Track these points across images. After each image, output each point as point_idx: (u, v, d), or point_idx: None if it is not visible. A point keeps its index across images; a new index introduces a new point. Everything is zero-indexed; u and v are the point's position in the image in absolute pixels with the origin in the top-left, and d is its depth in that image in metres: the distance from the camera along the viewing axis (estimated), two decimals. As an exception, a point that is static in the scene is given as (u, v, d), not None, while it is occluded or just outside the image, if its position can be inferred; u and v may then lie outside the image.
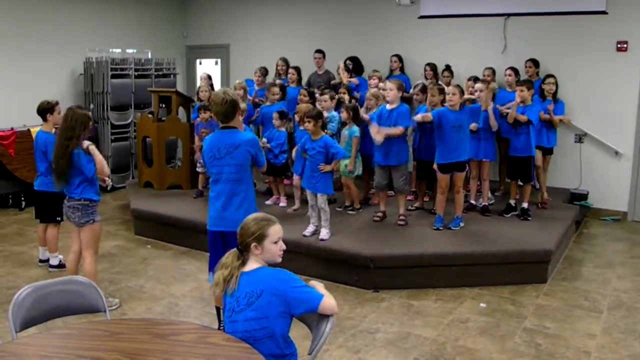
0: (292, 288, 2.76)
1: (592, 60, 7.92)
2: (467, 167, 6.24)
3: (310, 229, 5.94)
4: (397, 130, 6.00)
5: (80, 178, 4.79)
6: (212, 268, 4.07)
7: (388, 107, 6.17)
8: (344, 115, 6.51)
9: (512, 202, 6.80)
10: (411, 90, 7.28)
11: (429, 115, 6.11)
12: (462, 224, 6.21)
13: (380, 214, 6.44)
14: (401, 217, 6.32)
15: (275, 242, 2.86)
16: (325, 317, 2.79)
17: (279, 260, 2.90)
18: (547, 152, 7.31)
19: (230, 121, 4.13)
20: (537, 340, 4.53)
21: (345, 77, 8.08)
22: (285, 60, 8.70)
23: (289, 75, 8.32)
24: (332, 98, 6.86)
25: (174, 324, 3.40)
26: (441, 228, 6.15)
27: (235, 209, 4.12)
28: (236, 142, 4.09)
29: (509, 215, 6.70)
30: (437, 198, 6.27)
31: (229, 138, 4.11)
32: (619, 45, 7.73)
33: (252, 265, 2.85)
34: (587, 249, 6.78)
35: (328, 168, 5.75)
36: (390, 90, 6.12)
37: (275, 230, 2.87)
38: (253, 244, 2.83)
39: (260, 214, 2.98)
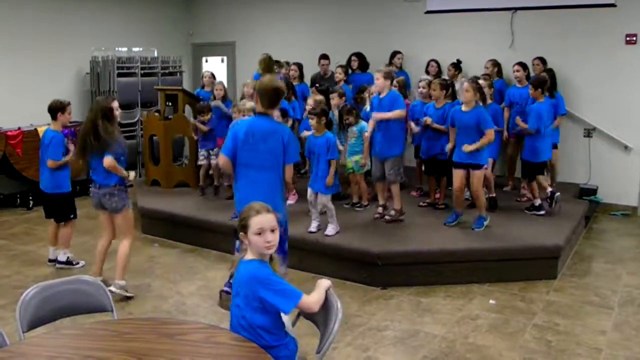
0: (266, 290, 2.72)
1: (600, 53, 7.84)
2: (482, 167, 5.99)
3: (314, 224, 5.91)
4: (393, 113, 5.80)
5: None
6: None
7: (380, 96, 6.02)
8: (352, 120, 6.46)
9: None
10: (420, 83, 7.20)
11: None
12: (486, 223, 6.04)
13: (380, 210, 6.34)
14: (392, 214, 6.21)
15: (259, 234, 2.76)
16: (333, 315, 2.77)
17: (267, 252, 2.80)
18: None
19: (271, 109, 4.14)
20: (547, 336, 4.49)
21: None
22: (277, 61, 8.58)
23: (290, 72, 8.28)
24: (340, 96, 6.85)
25: (181, 323, 3.38)
26: (452, 224, 6.09)
27: (263, 196, 3.93)
28: (271, 128, 4.09)
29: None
30: (454, 195, 6.17)
31: (265, 125, 4.11)
32: (627, 39, 7.66)
33: (248, 255, 2.84)
34: (597, 244, 6.72)
35: (330, 179, 5.65)
36: (377, 79, 5.96)
37: (256, 222, 2.76)
38: (241, 233, 2.82)
39: (256, 202, 2.90)
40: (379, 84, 5.95)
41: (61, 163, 5.71)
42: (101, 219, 5.33)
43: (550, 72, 7.14)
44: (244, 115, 6.34)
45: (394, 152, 6.00)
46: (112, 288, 4.98)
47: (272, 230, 2.78)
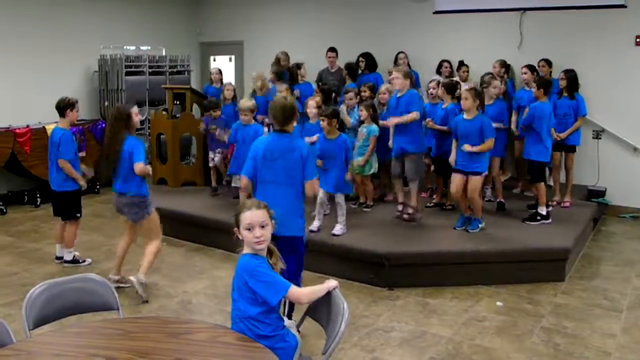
0: (254, 281, 2.81)
1: (610, 55, 7.79)
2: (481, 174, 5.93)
3: (315, 224, 5.89)
4: (410, 116, 5.95)
5: (132, 174, 4.92)
6: None
7: (398, 95, 6.15)
8: (363, 113, 6.48)
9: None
10: (430, 84, 7.17)
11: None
12: (481, 225, 5.99)
13: (400, 207, 6.37)
14: (409, 212, 6.26)
15: (248, 229, 2.84)
16: (339, 316, 2.76)
17: (258, 247, 2.86)
18: (567, 149, 7.14)
19: (287, 125, 4.21)
20: (555, 339, 4.46)
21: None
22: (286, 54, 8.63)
23: (301, 71, 8.28)
24: (356, 94, 6.87)
25: (186, 322, 3.38)
26: (461, 229, 6.05)
27: (282, 211, 4.06)
28: (291, 146, 4.15)
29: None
30: (454, 199, 6.22)
31: (284, 142, 4.17)
32: (638, 40, 7.60)
33: (244, 249, 2.92)
34: (605, 246, 6.68)
35: (349, 176, 5.78)
36: (397, 78, 6.09)
37: (246, 217, 2.85)
38: (235, 229, 2.91)
39: (249, 199, 3.00)
40: (399, 83, 6.08)
41: (69, 170, 5.72)
42: (122, 220, 5.32)
43: (572, 73, 7.03)
44: (245, 115, 6.37)
45: (413, 148, 6.09)
46: (132, 278, 5.02)
47: (263, 226, 2.85)
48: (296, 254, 4.22)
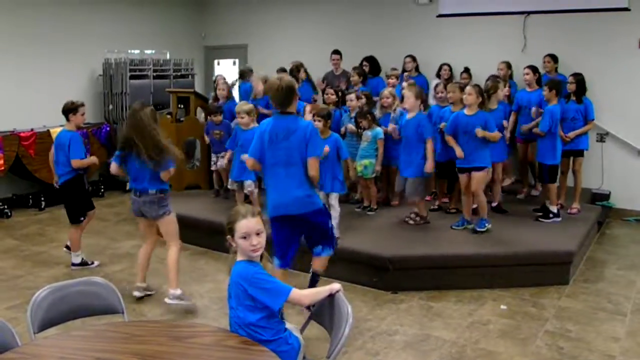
0: (254, 289, 2.80)
1: (613, 58, 7.78)
2: (486, 170, 6.01)
3: None
4: (430, 147, 5.96)
5: (157, 172, 4.88)
6: (278, 254, 4.33)
7: (408, 116, 6.15)
8: (365, 124, 6.51)
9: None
10: (430, 91, 7.18)
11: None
12: (488, 225, 6.00)
13: (412, 215, 6.37)
14: (417, 219, 6.29)
15: (244, 238, 2.82)
16: (343, 320, 2.76)
17: (254, 255, 2.86)
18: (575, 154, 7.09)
19: (288, 107, 4.22)
20: (559, 343, 4.45)
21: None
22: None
23: (300, 74, 8.29)
24: (358, 98, 6.90)
25: (191, 326, 3.38)
26: (458, 228, 6.09)
27: (293, 189, 4.15)
28: (293, 126, 4.16)
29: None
30: (462, 199, 6.25)
31: (287, 123, 4.18)
32: (641, 43, 7.61)
33: (238, 256, 2.90)
34: (609, 250, 6.66)
35: (352, 174, 5.77)
36: (408, 98, 6.07)
37: (242, 225, 2.82)
38: (228, 237, 2.88)
39: (243, 206, 2.95)
40: (410, 103, 6.06)
41: (86, 163, 5.76)
42: (140, 227, 5.25)
43: (580, 76, 6.97)
44: (242, 118, 6.39)
45: (412, 173, 6.07)
46: (168, 300, 4.93)
47: (258, 234, 2.84)
48: (317, 226, 4.33)
